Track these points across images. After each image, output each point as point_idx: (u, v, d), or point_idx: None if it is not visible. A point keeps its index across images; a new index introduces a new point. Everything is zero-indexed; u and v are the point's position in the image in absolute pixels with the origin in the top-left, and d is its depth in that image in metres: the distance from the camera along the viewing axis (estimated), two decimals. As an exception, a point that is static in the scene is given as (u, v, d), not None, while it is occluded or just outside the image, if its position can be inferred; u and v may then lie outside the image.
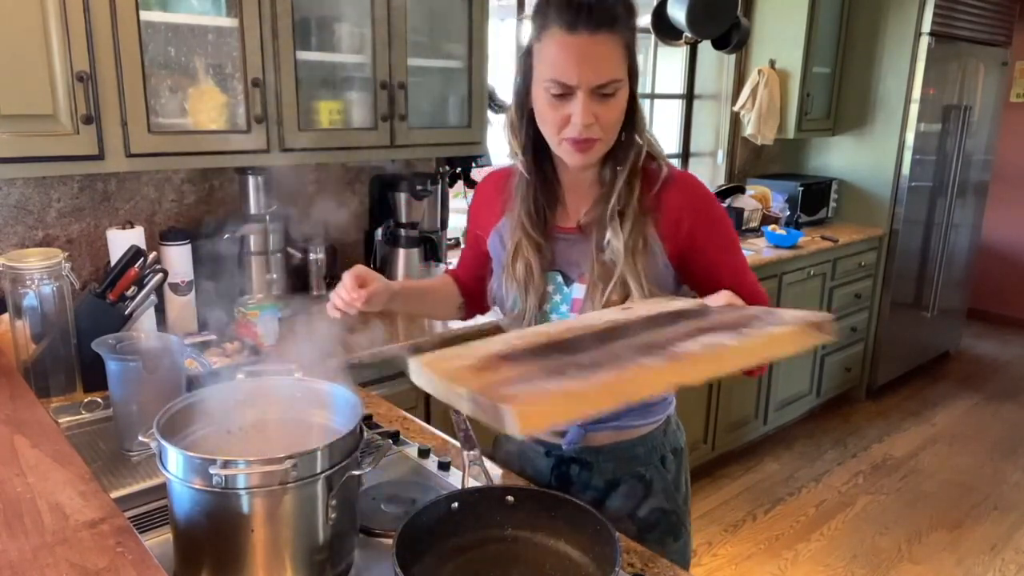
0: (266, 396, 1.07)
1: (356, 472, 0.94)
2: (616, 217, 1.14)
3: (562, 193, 1.22)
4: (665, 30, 3.35)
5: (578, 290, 1.19)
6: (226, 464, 0.84)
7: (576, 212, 1.21)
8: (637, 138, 1.15)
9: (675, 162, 4.00)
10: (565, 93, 1.06)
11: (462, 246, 2.93)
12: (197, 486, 0.85)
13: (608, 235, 1.15)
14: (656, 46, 3.71)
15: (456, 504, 0.98)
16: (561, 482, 1.28)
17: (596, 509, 1.07)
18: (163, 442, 0.87)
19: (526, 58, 1.13)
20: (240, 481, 0.85)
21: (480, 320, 2.17)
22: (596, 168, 1.18)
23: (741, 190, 3.68)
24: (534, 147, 1.18)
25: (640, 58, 1.16)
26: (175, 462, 0.87)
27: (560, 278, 1.21)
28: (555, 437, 1.26)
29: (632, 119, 1.14)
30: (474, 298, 1.41)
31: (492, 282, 1.28)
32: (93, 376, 1.47)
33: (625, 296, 1.13)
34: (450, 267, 1.44)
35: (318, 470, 0.88)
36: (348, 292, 1.17)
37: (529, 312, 1.20)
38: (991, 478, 3.32)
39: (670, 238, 1.16)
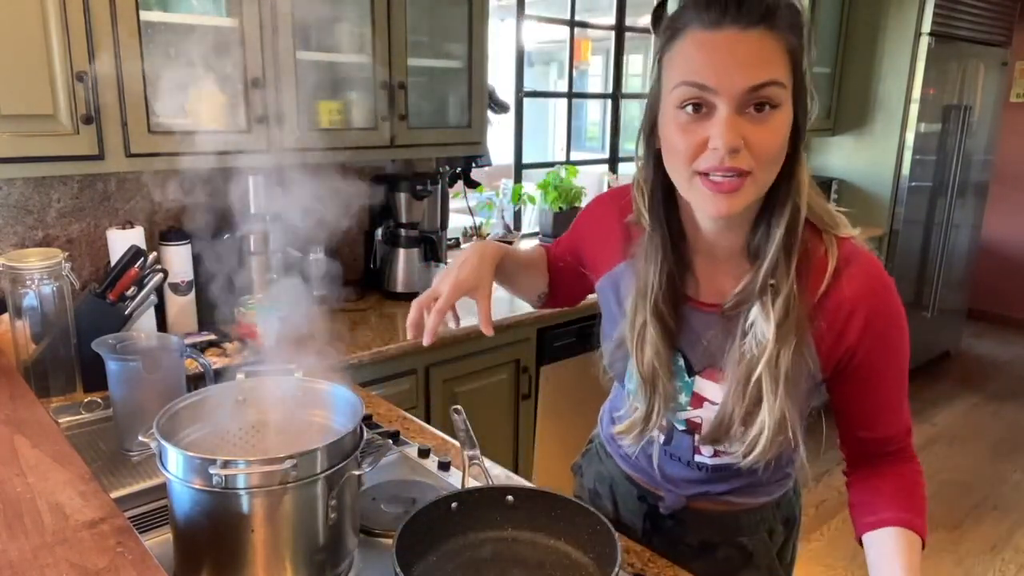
0: (266, 396, 1.07)
1: (356, 472, 0.94)
2: (768, 292, 0.88)
3: (690, 256, 0.98)
4: (665, 30, 3.34)
5: (704, 385, 0.98)
6: (226, 464, 0.84)
7: (710, 283, 0.97)
8: (794, 192, 0.87)
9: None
10: (702, 104, 0.81)
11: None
12: (197, 486, 0.85)
13: (754, 314, 0.90)
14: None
15: (456, 504, 0.98)
16: (651, 529, 1.15)
17: (686, 568, 1.04)
18: (163, 442, 0.87)
19: (654, 84, 0.88)
20: (240, 481, 0.85)
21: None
22: (742, 228, 0.92)
23: (741, 190, 3.68)
24: (663, 196, 0.94)
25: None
26: (175, 462, 0.87)
27: (682, 362, 0.99)
28: (654, 487, 1.13)
29: (791, 162, 0.86)
30: (558, 290, 1.20)
31: (603, 339, 1.08)
32: (93, 376, 1.48)
33: (758, 402, 0.90)
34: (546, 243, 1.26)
35: (318, 470, 0.88)
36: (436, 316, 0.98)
37: (655, 417, 0.99)
38: (991, 478, 3.32)
39: (828, 344, 0.91)
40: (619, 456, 1.19)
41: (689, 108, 0.82)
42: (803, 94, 0.84)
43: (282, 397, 1.07)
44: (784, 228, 0.87)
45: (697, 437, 1.03)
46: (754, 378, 0.90)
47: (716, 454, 1.04)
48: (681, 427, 1.04)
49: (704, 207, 0.86)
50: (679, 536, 1.13)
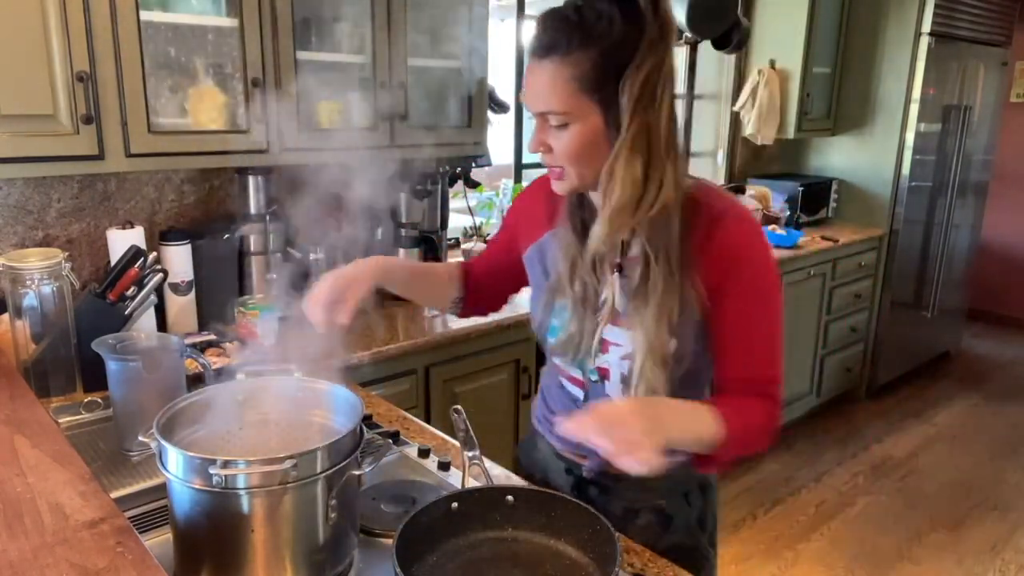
0: (266, 396, 1.07)
1: (356, 472, 0.94)
2: (651, 258, 1.02)
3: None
4: (665, 30, 3.34)
5: (609, 330, 1.10)
6: (226, 464, 0.84)
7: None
8: (614, 182, 1.00)
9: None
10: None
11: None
12: (197, 486, 0.85)
13: (606, 282, 1.08)
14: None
15: (456, 504, 0.98)
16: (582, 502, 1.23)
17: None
18: (163, 442, 0.87)
19: None
20: (240, 481, 0.85)
21: (480, 321, 2.19)
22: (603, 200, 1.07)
23: (741, 190, 3.68)
24: None
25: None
26: (175, 462, 0.87)
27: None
28: (578, 458, 1.22)
29: (617, 157, 0.98)
30: (481, 295, 1.35)
31: (532, 304, 1.21)
32: (93, 376, 1.48)
33: (651, 348, 1.03)
34: (464, 260, 1.40)
35: (318, 470, 0.88)
36: (323, 314, 1.10)
37: (585, 339, 1.11)
38: (991, 478, 3.32)
39: (704, 284, 1.03)
40: (549, 433, 1.27)
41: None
42: (610, 105, 0.96)
43: (282, 397, 1.07)
44: (613, 204, 1.00)
45: (607, 384, 1.12)
46: (646, 328, 1.02)
47: None
48: (594, 377, 1.14)
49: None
50: (604, 505, 1.18)
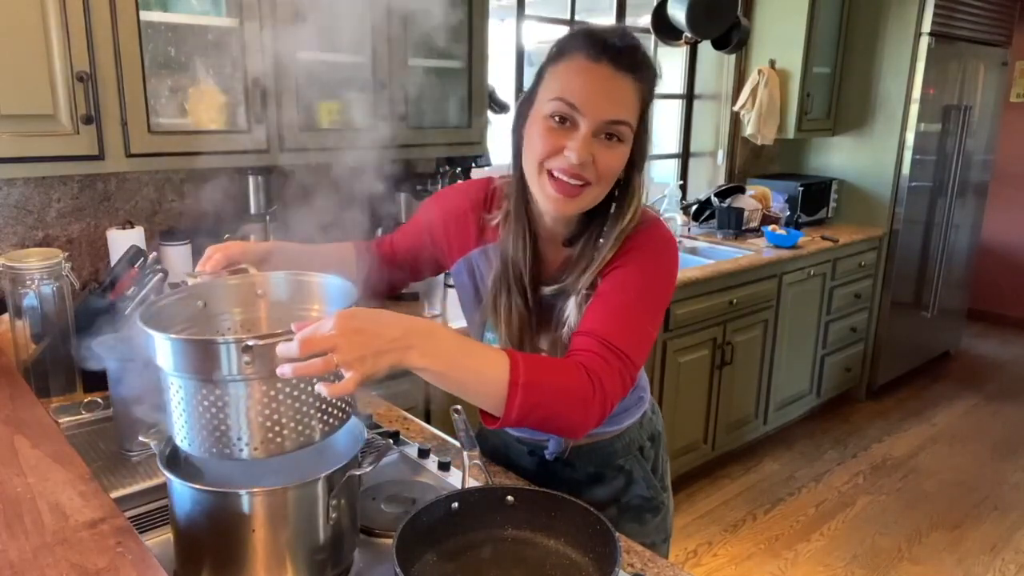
0: (254, 292, 1.04)
1: (356, 472, 0.94)
2: (581, 292, 1.06)
3: (539, 244, 1.14)
4: (665, 30, 3.35)
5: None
6: (247, 343, 0.77)
7: (550, 266, 1.14)
8: (626, 208, 1.06)
9: (674, 163, 4.00)
10: (568, 119, 0.98)
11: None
12: (202, 377, 0.85)
13: (569, 307, 1.08)
14: (656, 46, 3.71)
15: (456, 504, 0.98)
16: (546, 478, 1.29)
17: (580, 498, 1.06)
18: (159, 333, 0.82)
19: (532, 89, 1.05)
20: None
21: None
22: (574, 222, 1.09)
23: (741, 190, 3.68)
24: (522, 190, 1.09)
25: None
26: (167, 351, 0.81)
27: None
28: (539, 439, 1.29)
29: (626, 186, 1.05)
30: (372, 276, 1.28)
31: (466, 319, 1.26)
32: (93, 376, 1.47)
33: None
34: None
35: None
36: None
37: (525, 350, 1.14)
38: (991, 478, 3.32)
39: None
40: None
41: (556, 119, 0.99)
42: (643, 137, 1.04)
43: (270, 291, 1.04)
44: (615, 235, 1.05)
45: None
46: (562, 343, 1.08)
47: None
48: None
49: (545, 202, 1.03)
50: (570, 475, 1.29)
